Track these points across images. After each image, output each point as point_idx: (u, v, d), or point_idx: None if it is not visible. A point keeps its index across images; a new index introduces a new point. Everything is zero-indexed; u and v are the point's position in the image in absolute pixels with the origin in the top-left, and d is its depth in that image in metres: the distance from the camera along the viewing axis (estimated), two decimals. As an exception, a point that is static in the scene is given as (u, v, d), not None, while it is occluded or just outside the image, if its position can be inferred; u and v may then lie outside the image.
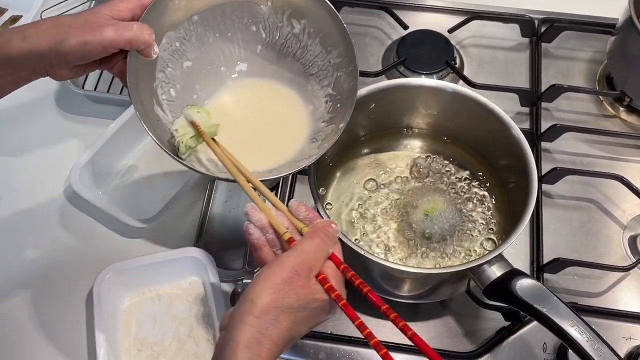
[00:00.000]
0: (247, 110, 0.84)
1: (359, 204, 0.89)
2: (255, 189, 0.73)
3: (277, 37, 0.84)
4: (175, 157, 0.74)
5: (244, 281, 0.89)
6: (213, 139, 0.77)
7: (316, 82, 0.83)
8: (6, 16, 1.15)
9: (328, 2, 0.81)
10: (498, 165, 0.89)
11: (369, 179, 0.91)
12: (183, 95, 0.81)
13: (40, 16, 1.13)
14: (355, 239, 0.86)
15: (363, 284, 0.68)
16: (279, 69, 0.85)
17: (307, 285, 0.64)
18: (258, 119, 0.83)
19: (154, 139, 0.72)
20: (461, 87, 0.87)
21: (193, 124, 0.76)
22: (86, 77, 1.08)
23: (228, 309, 0.67)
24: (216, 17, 0.82)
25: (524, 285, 0.72)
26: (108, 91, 1.06)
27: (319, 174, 0.84)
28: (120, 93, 1.05)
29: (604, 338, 0.69)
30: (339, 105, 0.81)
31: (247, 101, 0.84)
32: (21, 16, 1.14)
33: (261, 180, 0.74)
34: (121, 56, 0.73)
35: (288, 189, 0.96)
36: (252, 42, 0.84)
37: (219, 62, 0.84)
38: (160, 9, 0.75)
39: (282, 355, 0.84)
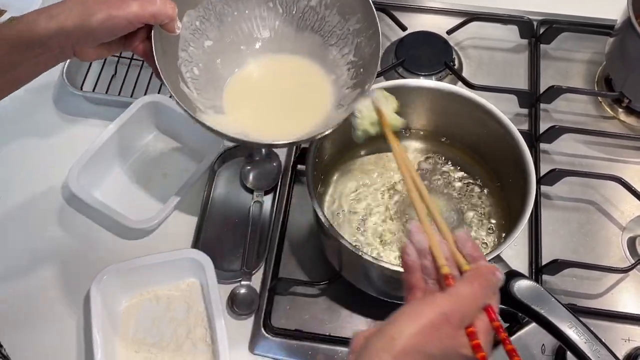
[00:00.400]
0: (270, 83, 0.84)
1: (357, 205, 0.89)
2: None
3: (294, 12, 0.84)
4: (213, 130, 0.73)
5: (242, 282, 0.89)
6: (394, 134, 0.74)
7: (337, 51, 0.83)
8: (5, 17, 1.15)
9: None
10: (497, 166, 0.89)
11: (367, 180, 0.91)
12: (206, 74, 0.82)
13: (39, 17, 1.13)
14: (354, 240, 0.86)
15: (513, 351, 0.59)
16: (297, 43, 0.85)
17: (455, 336, 0.57)
18: (281, 91, 0.83)
19: (189, 113, 0.73)
20: (459, 88, 0.87)
21: (378, 111, 0.75)
22: (84, 78, 1.08)
23: (359, 332, 0.59)
24: None
25: (521, 286, 0.72)
26: (106, 92, 1.06)
27: (316, 174, 0.84)
28: (119, 94, 1.05)
29: (603, 340, 0.68)
30: (362, 70, 0.80)
31: (270, 75, 0.84)
32: (20, 17, 1.14)
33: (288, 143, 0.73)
34: (144, 35, 0.73)
35: (287, 190, 0.96)
36: (269, 18, 0.85)
37: (239, 41, 0.84)
38: None
39: (279, 357, 0.85)
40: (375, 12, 0.78)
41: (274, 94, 0.83)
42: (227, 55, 0.84)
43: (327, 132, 0.75)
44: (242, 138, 0.75)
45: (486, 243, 0.86)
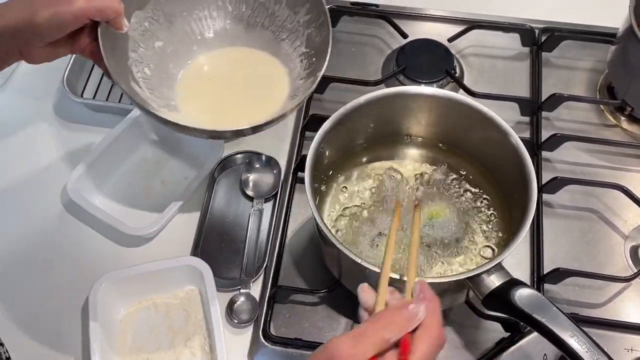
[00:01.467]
0: (223, 76, 0.84)
1: (359, 212, 0.88)
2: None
3: (243, 9, 0.85)
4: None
5: (241, 291, 0.88)
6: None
7: (288, 45, 0.84)
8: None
9: None
10: (498, 174, 0.89)
11: (369, 187, 0.90)
12: (158, 74, 0.82)
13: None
14: (354, 247, 0.85)
15: None
16: (249, 40, 0.85)
17: None
18: (235, 83, 0.84)
19: (144, 108, 0.73)
20: (461, 96, 0.87)
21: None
22: (85, 85, 1.08)
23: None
24: None
25: (523, 295, 0.72)
26: (107, 99, 1.06)
27: (316, 182, 0.83)
28: (119, 101, 1.05)
29: (605, 349, 0.68)
30: (314, 59, 0.81)
31: (222, 67, 0.85)
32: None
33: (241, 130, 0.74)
34: (92, 36, 0.73)
35: (287, 198, 0.95)
36: (219, 17, 0.85)
37: (190, 41, 0.85)
38: None
39: (279, 366, 0.84)
40: (324, 1, 0.79)
41: (227, 86, 0.84)
42: (179, 55, 0.84)
43: (280, 120, 0.75)
44: (193, 126, 0.74)
45: (489, 250, 0.85)
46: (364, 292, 0.65)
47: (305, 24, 0.82)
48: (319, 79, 0.77)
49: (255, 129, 0.75)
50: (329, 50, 0.78)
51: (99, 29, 0.73)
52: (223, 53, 0.85)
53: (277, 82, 0.83)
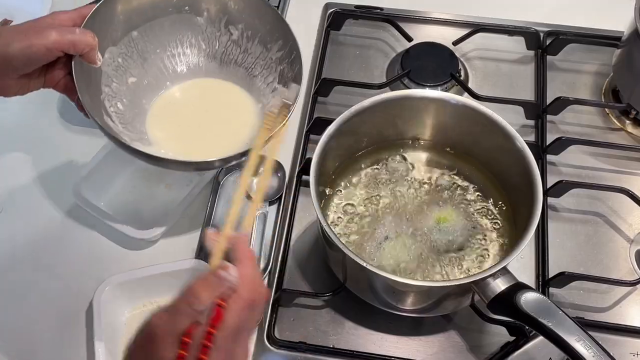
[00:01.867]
0: (195, 108, 0.85)
1: (363, 215, 0.88)
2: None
3: (217, 47, 0.85)
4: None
5: (246, 294, 0.88)
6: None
7: (261, 81, 0.84)
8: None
9: None
10: (503, 177, 0.89)
11: (373, 190, 0.90)
12: (131, 109, 0.82)
13: (45, 28, 1.13)
14: (359, 250, 0.85)
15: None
16: (223, 76, 0.86)
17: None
18: (207, 116, 0.83)
19: (118, 139, 0.74)
20: (465, 99, 0.87)
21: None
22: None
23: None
24: (155, 32, 0.83)
25: (528, 299, 0.71)
26: (111, 102, 1.06)
27: (321, 185, 0.83)
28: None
29: (611, 354, 0.68)
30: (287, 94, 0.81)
31: (194, 100, 0.85)
32: (26, 28, 1.14)
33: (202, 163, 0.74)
34: (65, 71, 0.74)
35: (291, 201, 0.95)
36: (192, 54, 0.86)
37: (163, 77, 0.85)
38: (99, 22, 0.77)
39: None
40: (295, 37, 0.79)
41: (199, 118, 0.83)
42: (152, 90, 0.85)
43: (253, 152, 0.76)
44: (165, 157, 0.74)
45: (492, 255, 0.85)
46: (210, 242, 0.66)
47: (278, 60, 0.83)
48: (291, 112, 0.77)
49: (226, 161, 0.75)
50: (301, 85, 0.79)
51: (72, 63, 0.73)
52: (195, 83, 0.86)
53: (247, 118, 0.84)
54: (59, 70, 0.74)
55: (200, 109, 0.84)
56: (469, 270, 0.84)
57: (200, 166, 0.74)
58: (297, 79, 0.79)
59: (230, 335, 0.58)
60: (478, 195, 0.89)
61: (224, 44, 0.85)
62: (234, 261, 0.62)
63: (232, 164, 0.80)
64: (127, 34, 0.81)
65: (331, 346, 0.85)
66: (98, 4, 0.77)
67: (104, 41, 0.78)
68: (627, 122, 1.04)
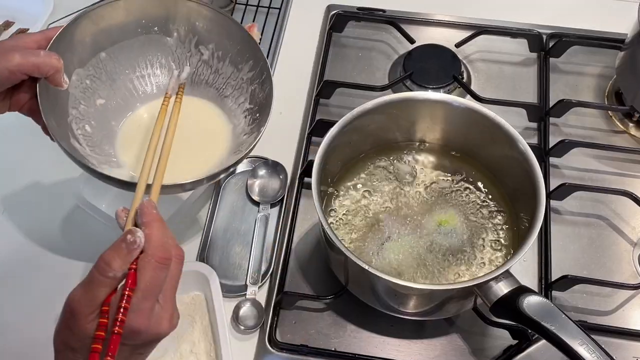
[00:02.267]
0: (164, 128, 0.81)
1: (366, 217, 0.88)
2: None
3: (187, 67, 0.84)
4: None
5: (247, 296, 0.88)
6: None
7: (232, 101, 0.84)
8: (13, 29, 1.15)
9: (231, 18, 0.82)
10: (506, 180, 0.88)
11: (375, 192, 0.90)
12: (99, 131, 0.81)
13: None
14: (361, 253, 0.85)
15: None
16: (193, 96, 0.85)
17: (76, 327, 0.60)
18: (178, 136, 0.82)
19: (84, 164, 0.72)
20: (468, 102, 0.87)
21: None
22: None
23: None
24: (124, 53, 0.82)
25: (531, 302, 0.71)
26: (113, 104, 1.06)
27: (323, 186, 0.83)
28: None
29: (614, 357, 0.67)
30: (257, 114, 0.81)
31: (165, 119, 0.81)
32: (27, 29, 1.14)
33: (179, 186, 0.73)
34: (31, 93, 0.72)
35: (293, 203, 0.95)
36: (163, 75, 0.84)
37: (133, 99, 0.84)
38: (65, 44, 0.75)
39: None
40: (265, 57, 0.80)
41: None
42: (121, 111, 0.83)
43: (223, 174, 0.75)
44: (132, 182, 0.72)
45: (495, 258, 0.85)
46: (120, 219, 0.65)
47: (249, 81, 0.82)
48: (261, 134, 0.76)
49: (196, 184, 0.74)
50: (272, 106, 0.78)
51: (37, 86, 0.71)
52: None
53: (220, 136, 0.83)
54: (24, 93, 0.72)
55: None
56: (471, 273, 0.83)
57: (170, 190, 0.73)
58: (268, 100, 0.79)
59: (147, 295, 0.59)
60: (481, 197, 0.89)
61: (194, 65, 0.84)
62: (141, 225, 0.62)
63: (205, 185, 0.80)
64: (95, 55, 0.80)
65: (333, 349, 0.85)
66: (64, 26, 0.75)
67: (71, 63, 0.77)
68: (631, 124, 1.03)
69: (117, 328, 0.57)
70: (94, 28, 0.79)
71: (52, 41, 0.73)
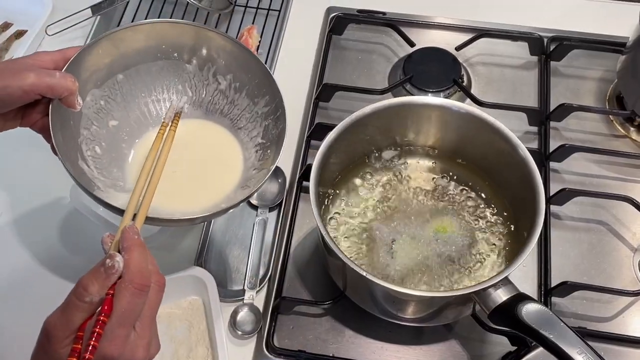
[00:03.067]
0: (178, 154, 0.79)
1: (364, 222, 0.87)
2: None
3: (203, 95, 0.84)
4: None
5: (245, 301, 0.87)
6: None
7: (245, 134, 0.83)
8: (11, 31, 1.15)
9: (251, 51, 0.82)
10: (506, 185, 0.88)
11: (374, 196, 0.89)
12: (109, 153, 0.80)
13: (45, 31, 1.12)
14: (359, 257, 0.84)
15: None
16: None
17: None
18: (189, 164, 0.81)
19: (86, 189, 0.71)
20: (468, 106, 0.86)
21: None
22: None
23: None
24: (142, 76, 0.82)
25: (530, 310, 0.70)
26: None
27: (322, 191, 0.82)
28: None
29: (613, 366, 0.67)
30: (269, 151, 0.80)
31: (178, 145, 0.80)
32: (26, 31, 1.14)
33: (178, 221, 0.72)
34: (43, 112, 0.72)
35: (292, 207, 0.95)
36: (178, 101, 0.84)
37: (146, 123, 0.83)
38: (83, 65, 0.75)
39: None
40: (281, 94, 0.79)
41: (182, 166, 0.80)
42: (133, 134, 0.83)
43: (228, 211, 0.74)
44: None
45: (494, 264, 0.84)
46: (105, 245, 0.64)
47: (264, 115, 0.81)
48: (270, 171, 0.75)
49: (205, 219, 0.74)
50: (283, 144, 0.77)
51: (50, 106, 0.71)
52: (180, 124, 0.82)
53: (232, 167, 0.82)
54: (38, 112, 0.72)
55: (183, 156, 0.81)
56: (470, 280, 0.83)
57: (178, 224, 0.72)
58: (281, 137, 0.78)
59: (123, 321, 0.58)
60: (480, 202, 0.89)
61: (211, 93, 0.84)
62: (121, 250, 0.62)
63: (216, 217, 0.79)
64: (112, 77, 0.79)
65: (331, 355, 0.85)
66: (83, 46, 0.74)
67: (87, 84, 0.76)
68: (632, 129, 1.03)
69: (87, 354, 0.56)
70: (113, 50, 0.78)
71: (69, 61, 0.72)
